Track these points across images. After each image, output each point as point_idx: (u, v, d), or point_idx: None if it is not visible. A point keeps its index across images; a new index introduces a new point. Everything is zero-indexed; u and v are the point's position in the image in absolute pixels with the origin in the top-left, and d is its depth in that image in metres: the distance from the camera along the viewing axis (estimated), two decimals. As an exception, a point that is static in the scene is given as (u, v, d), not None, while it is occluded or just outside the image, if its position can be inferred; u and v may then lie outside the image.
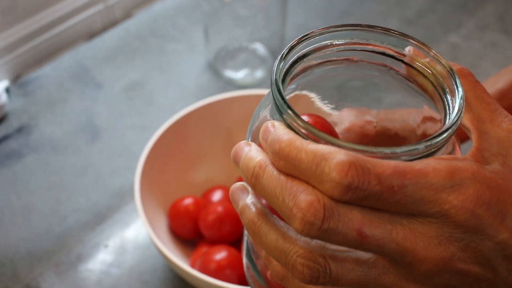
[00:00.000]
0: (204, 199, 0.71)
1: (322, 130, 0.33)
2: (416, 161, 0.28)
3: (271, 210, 0.31)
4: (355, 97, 0.39)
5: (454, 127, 0.30)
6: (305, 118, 0.34)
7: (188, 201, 0.68)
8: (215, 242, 0.65)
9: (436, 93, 0.33)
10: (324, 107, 0.38)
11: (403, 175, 0.26)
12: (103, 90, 0.87)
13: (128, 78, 0.88)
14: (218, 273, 0.61)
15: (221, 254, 0.62)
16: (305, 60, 0.34)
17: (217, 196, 0.71)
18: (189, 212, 0.67)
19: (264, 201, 0.31)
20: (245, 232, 0.38)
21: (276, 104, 0.31)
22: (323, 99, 0.39)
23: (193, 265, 0.64)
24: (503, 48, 0.95)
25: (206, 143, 0.74)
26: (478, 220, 0.27)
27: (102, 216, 0.74)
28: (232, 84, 0.89)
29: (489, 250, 0.28)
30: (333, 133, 0.35)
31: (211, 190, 0.72)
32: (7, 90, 0.86)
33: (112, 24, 0.97)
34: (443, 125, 0.31)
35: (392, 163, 0.27)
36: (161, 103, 0.86)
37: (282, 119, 0.30)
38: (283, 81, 0.33)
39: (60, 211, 0.74)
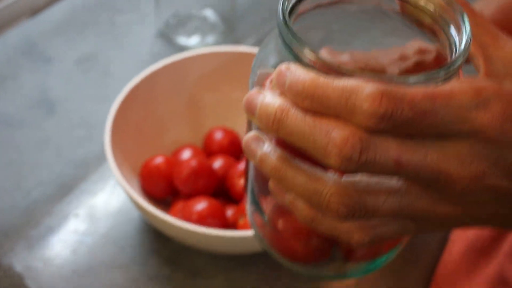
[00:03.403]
0: (174, 158, 0.69)
1: None
2: (442, 85, 0.28)
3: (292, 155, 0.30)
4: (344, 40, 0.38)
5: (468, 47, 0.30)
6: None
7: (159, 159, 0.67)
8: (190, 196, 0.64)
9: (436, 25, 0.33)
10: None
11: (433, 99, 0.27)
12: (55, 64, 0.84)
13: (81, 51, 0.86)
14: (200, 223, 0.60)
15: (201, 205, 0.61)
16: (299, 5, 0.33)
17: (186, 154, 0.70)
18: (161, 170, 0.66)
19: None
20: (250, 179, 0.37)
21: (286, 44, 0.30)
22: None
23: (171, 222, 0.63)
24: None
25: (170, 104, 0.73)
26: (506, 135, 0.28)
27: (68, 187, 0.72)
28: (185, 51, 0.88)
29: None
30: None
31: (179, 150, 0.71)
32: (-48, 71, 0.82)
33: (56, -1, 0.94)
34: (454, 51, 0.31)
35: (420, 88, 0.27)
36: (117, 73, 0.84)
37: (297, 60, 0.29)
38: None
39: (23, 186, 0.71)
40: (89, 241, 0.67)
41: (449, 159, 0.28)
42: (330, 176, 0.29)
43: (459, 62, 0.30)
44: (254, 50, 0.74)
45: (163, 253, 0.66)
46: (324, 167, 0.30)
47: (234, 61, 0.74)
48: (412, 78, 0.28)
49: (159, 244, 0.67)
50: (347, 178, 0.29)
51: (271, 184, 0.32)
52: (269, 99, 0.29)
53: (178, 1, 0.90)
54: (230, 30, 0.90)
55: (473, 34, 0.32)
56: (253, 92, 0.30)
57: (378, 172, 0.27)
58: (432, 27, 0.34)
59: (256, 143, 0.31)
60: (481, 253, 0.59)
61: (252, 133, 0.31)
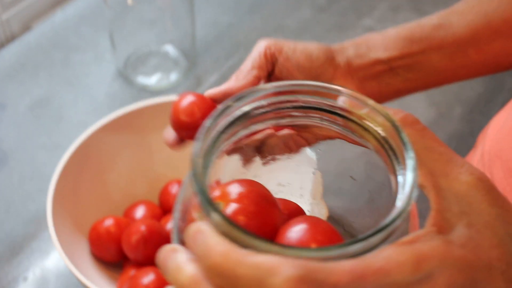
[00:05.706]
0: (126, 218, 0.66)
1: (259, 199, 0.29)
2: (375, 256, 0.24)
3: None
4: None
5: (409, 207, 0.26)
6: (235, 186, 0.30)
7: (108, 222, 0.64)
8: (141, 263, 0.61)
9: (382, 150, 0.30)
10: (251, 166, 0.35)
11: (363, 279, 0.23)
12: (6, 110, 0.81)
13: (33, 95, 0.83)
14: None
15: (148, 278, 0.58)
16: (228, 131, 0.31)
17: (140, 212, 0.67)
18: (111, 234, 0.63)
19: None
20: (174, 234, 0.35)
21: (201, 203, 0.27)
22: (249, 159, 0.36)
23: (120, 290, 0.60)
24: (415, 28, 0.94)
25: (122, 157, 0.70)
26: None
27: (18, 246, 0.69)
28: (146, 91, 0.85)
29: None
30: (271, 203, 0.30)
31: (133, 207, 0.68)
32: None
33: (10, 38, 0.91)
34: (396, 198, 0.28)
35: (347, 266, 0.24)
36: (71, 118, 0.81)
37: (210, 219, 0.27)
38: (205, 167, 0.29)
39: (-29, 247, 0.68)
40: (38, 307, 0.64)
41: None
42: None
43: (397, 223, 0.26)
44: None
45: (115, 319, 0.63)
46: None
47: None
48: (341, 250, 0.24)
49: (111, 308, 0.64)
50: None
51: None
52: (182, 262, 0.26)
53: (136, 38, 0.87)
54: (191, 66, 0.87)
55: (423, 160, 0.29)
56: (167, 248, 0.28)
57: None
58: (378, 151, 0.31)
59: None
60: None
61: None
